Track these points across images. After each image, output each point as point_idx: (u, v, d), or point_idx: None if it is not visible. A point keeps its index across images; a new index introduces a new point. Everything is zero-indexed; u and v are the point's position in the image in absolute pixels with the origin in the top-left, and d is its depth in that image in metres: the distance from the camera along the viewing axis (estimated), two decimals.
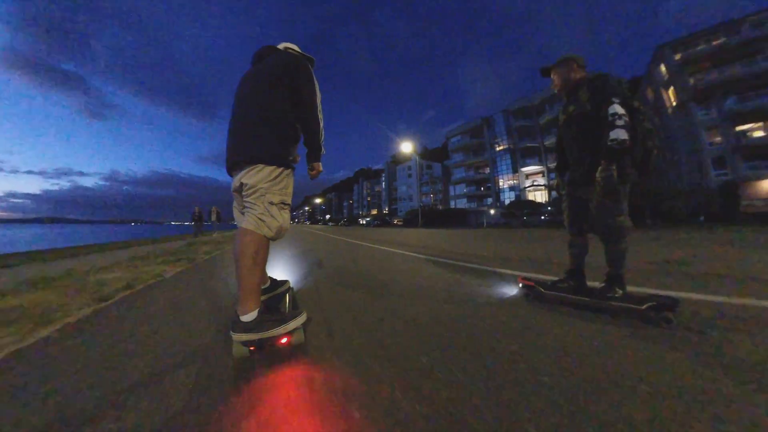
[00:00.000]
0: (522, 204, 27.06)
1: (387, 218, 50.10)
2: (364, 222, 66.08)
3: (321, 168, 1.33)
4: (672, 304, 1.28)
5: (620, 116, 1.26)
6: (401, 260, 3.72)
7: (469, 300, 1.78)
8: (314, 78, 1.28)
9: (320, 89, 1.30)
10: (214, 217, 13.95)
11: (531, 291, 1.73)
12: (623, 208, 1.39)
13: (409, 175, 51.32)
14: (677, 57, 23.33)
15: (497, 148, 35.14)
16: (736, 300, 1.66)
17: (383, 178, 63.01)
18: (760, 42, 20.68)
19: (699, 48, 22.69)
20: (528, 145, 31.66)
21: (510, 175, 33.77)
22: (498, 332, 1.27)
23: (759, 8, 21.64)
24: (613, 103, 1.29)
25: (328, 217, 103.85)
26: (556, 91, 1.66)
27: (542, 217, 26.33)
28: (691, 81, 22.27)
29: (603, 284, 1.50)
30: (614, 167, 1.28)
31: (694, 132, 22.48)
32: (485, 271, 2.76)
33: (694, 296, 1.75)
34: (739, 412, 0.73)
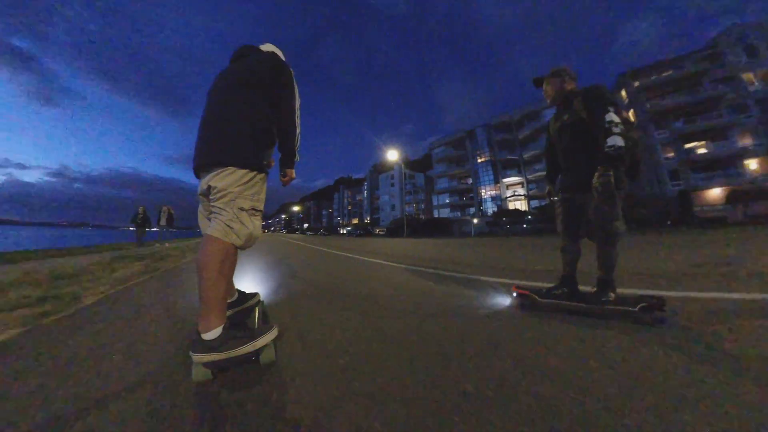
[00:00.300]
0: (508, 213, 27.98)
1: (369, 228, 49.29)
2: (345, 231, 64.54)
3: (294, 175, 1.27)
4: (660, 303, 1.36)
5: (616, 124, 1.31)
6: (387, 272, 3.40)
7: (462, 313, 1.67)
8: (295, 83, 1.25)
9: (303, 96, 1.28)
10: (163, 221, 10.30)
11: (525, 300, 1.72)
12: (619, 213, 1.44)
13: (392, 185, 51.46)
14: (636, 84, 26.49)
15: (479, 160, 36.63)
16: None
17: (365, 187, 62.53)
18: (700, 76, 24.30)
19: (653, 78, 25.99)
20: (508, 157, 33.42)
21: (492, 186, 35.23)
22: (494, 344, 1.21)
23: (697, 48, 25.57)
24: (609, 111, 1.34)
25: (306, 225, 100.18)
26: (548, 101, 1.71)
27: (524, 226, 27.60)
28: (648, 105, 25.36)
29: (595, 289, 1.55)
30: (612, 173, 1.32)
31: (652, 149, 25.34)
32: (477, 282, 2.65)
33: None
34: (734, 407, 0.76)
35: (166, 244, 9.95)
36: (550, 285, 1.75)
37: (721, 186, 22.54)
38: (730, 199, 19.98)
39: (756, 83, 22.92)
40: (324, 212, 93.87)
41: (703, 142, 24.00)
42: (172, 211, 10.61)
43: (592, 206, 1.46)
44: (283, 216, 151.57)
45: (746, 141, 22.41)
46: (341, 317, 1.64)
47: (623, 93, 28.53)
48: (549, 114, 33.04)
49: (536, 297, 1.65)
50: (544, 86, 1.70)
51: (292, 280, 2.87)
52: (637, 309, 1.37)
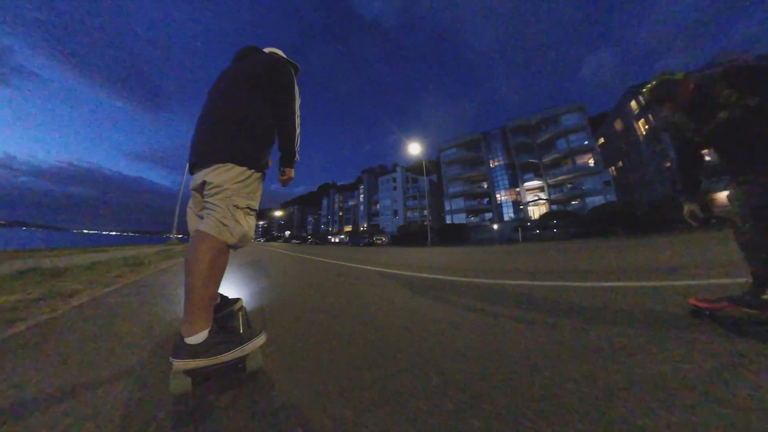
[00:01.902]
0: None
1: (367, 236, 46.16)
2: (338, 240, 60.21)
3: (293, 174, 1.28)
4: None
5: None
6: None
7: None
8: (295, 83, 1.28)
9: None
10: None
11: (720, 316, 1.31)
12: None
13: (394, 188, 49.31)
14: None
15: (497, 163, 36.52)
16: None
17: (360, 191, 59.18)
18: None
19: None
20: (530, 160, 33.69)
21: (509, 190, 35.15)
22: None
23: (699, 65, 28.81)
24: None
25: (288, 233, 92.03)
26: (684, 106, 1.44)
27: (554, 230, 27.51)
28: (663, 115, 27.55)
29: None
30: None
31: (664, 153, 27.36)
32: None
33: None
34: None
35: None
36: (739, 292, 1.37)
37: (726, 190, 24.99)
38: None
39: None
40: (309, 218, 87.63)
41: (709, 150, 26.57)
42: None
43: None
44: (262, 222, 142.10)
45: None
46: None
47: (633, 104, 30.84)
48: (568, 120, 34.67)
49: (748, 308, 1.25)
50: (668, 101, 1.48)
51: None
52: None
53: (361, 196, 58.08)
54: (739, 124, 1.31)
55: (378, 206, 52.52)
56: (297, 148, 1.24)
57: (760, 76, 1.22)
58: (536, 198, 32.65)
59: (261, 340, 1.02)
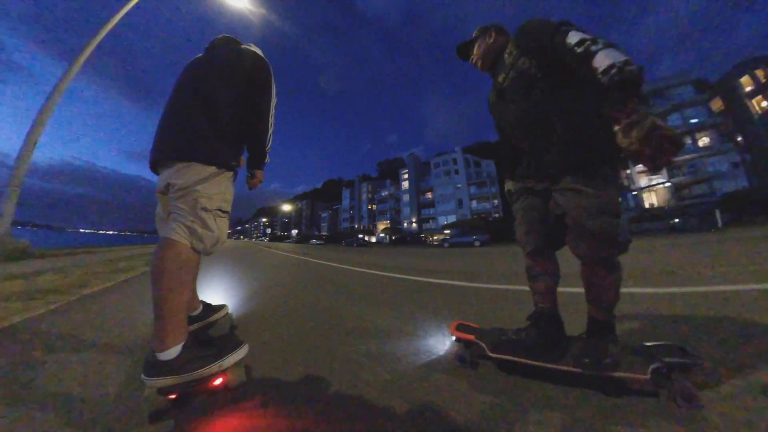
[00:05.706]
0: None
1: (412, 233, 40.71)
2: (374, 239, 53.92)
3: (262, 177, 1.32)
4: (688, 363, 0.91)
5: (592, 40, 0.88)
6: None
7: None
8: (273, 82, 1.29)
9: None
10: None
11: (469, 350, 1.23)
12: (617, 203, 0.98)
13: (456, 171, 44.80)
14: None
15: None
16: None
17: (404, 178, 51.59)
18: None
19: None
20: None
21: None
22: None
23: None
24: (567, 31, 0.95)
25: (295, 232, 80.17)
26: (478, 65, 1.37)
27: (677, 220, 26.18)
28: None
29: (585, 336, 1.11)
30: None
31: None
32: None
33: None
34: None
35: None
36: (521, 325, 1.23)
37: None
38: None
39: None
40: (323, 214, 76.59)
41: None
42: None
43: (574, 199, 0.99)
44: (264, 220, 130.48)
45: None
46: None
47: (744, 80, 31.55)
48: (682, 93, 34.22)
49: (485, 347, 1.16)
50: (472, 52, 1.36)
51: None
52: (649, 375, 0.91)
53: (404, 183, 52.00)
54: (510, 93, 1.16)
55: (430, 195, 47.84)
56: (268, 149, 1.27)
57: (533, 28, 1.06)
58: (662, 181, 31.69)
59: (242, 352, 1.02)
